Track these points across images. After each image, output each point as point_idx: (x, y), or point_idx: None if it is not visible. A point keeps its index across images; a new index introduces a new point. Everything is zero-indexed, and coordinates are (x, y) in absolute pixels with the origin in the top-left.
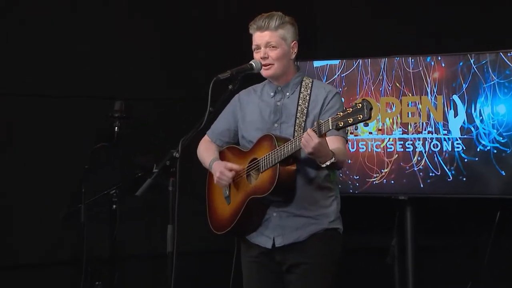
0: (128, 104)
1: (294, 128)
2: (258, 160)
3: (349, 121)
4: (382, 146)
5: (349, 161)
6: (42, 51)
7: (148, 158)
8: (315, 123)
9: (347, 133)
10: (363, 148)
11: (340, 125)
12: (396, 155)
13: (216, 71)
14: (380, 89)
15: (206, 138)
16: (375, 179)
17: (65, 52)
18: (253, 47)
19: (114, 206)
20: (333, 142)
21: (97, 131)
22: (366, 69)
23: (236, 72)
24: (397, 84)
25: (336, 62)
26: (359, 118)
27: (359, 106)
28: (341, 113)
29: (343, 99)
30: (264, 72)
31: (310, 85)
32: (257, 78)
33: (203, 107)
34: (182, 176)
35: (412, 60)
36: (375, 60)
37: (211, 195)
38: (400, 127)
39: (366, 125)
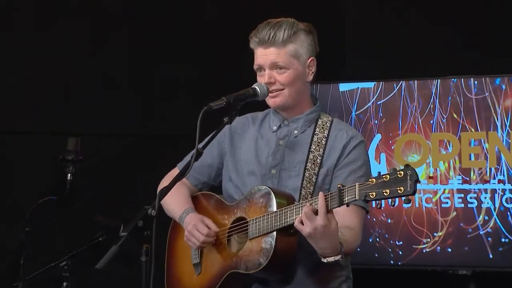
0: (86, 142)
1: (302, 183)
2: (247, 222)
3: (385, 194)
4: (434, 200)
5: (389, 221)
6: None
7: (112, 217)
8: (338, 185)
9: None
10: (409, 202)
11: (370, 196)
12: (455, 213)
13: (206, 97)
14: (431, 121)
15: (174, 173)
16: (425, 246)
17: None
18: (255, 67)
19: (64, 283)
20: (346, 216)
21: (42, 179)
22: (411, 94)
23: (234, 100)
24: (455, 115)
25: (371, 85)
26: (398, 191)
27: (400, 174)
28: (374, 180)
29: (379, 135)
30: (271, 101)
31: (328, 125)
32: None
33: (189, 146)
34: (160, 242)
35: (476, 82)
36: (423, 82)
37: (174, 257)
38: (459, 174)
39: (408, 202)
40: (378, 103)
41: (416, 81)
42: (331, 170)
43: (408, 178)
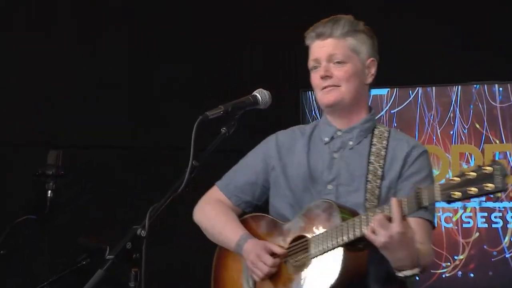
0: (68, 155)
1: (365, 196)
2: (307, 240)
3: (471, 192)
4: (455, 219)
5: None
6: None
7: (97, 238)
8: (414, 188)
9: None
10: (496, 200)
11: (454, 196)
12: (477, 234)
13: (202, 105)
14: (451, 132)
15: (215, 193)
16: (444, 270)
17: None
18: (310, 64)
19: None
20: (414, 230)
21: (20, 196)
22: (429, 101)
23: (232, 108)
24: (477, 125)
25: (384, 91)
26: (486, 188)
27: (486, 170)
28: (457, 178)
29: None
30: (324, 99)
31: (386, 135)
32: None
33: (184, 159)
34: (150, 266)
35: (500, 89)
36: (442, 88)
37: (222, 284)
38: None
39: (496, 199)
40: (392, 111)
41: (434, 88)
42: (394, 182)
43: (497, 173)
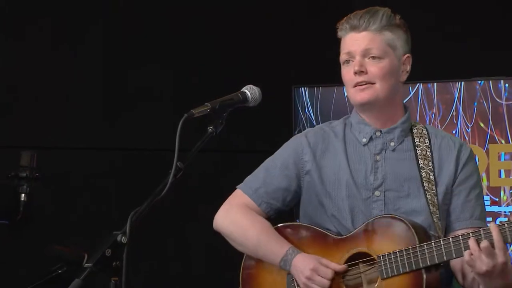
0: (43, 157)
1: (429, 207)
2: (373, 258)
3: None
4: None
5: None
6: None
7: (74, 246)
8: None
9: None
10: None
11: None
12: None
13: (186, 104)
14: (454, 131)
15: (240, 199)
16: None
17: None
18: (342, 57)
19: None
20: None
21: None
22: (430, 99)
23: (220, 106)
24: (482, 124)
25: None
26: None
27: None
28: None
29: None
30: (358, 97)
31: (426, 133)
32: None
33: (167, 160)
34: (132, 274)
35: (506, 85)
36: (444, 84)
37: None
38: (487, 194)
39: None
40: None
41: (435, 84)
42: (449, 187)
43: None
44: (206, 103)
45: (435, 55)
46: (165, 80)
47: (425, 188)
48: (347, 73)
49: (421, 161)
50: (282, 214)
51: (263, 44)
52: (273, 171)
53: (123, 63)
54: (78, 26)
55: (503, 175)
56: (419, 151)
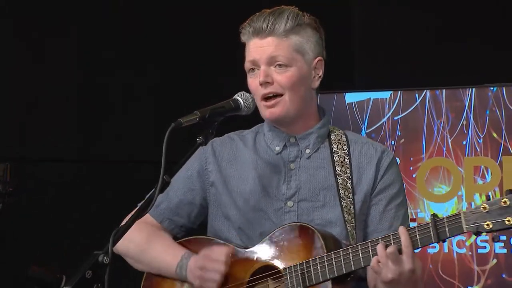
0: (17, 170)
1: (343, 216)
2: (279, 271)
3: (508, 223)
4: (468, 244)
5: None
6: None
7: (51, 266)
8: (431, 216)
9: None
10: (434, 247)
11: (486, 227)
12: (495, 261)
13: (172, 112)
14: (464, 142)
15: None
16: None
17: None
18: (247, 66)
19: None
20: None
21: None
22: (438, 106)
23: (210, 115)
24: (494, 134)
25: (386, 95)
26: (507, 223)
27: (504, 203)
28: (486, 206)
29: (397, 160)
30: (267, 113)
31: (344, 139)
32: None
33: (153, 173)
34: None
35: None
36: (453, 91)
37: None
38: None
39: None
40: (395, 118)
41: (444, 90)
42: (368, 196)
43: None
44: (195, 111)
45: (443, 59)
46: (150, 85)
47: (341, 195)
48: (253, 82)
49: (338, 168)
50: (193, 233)
51: None
52: (176, 183)
53: (99, 67)
54: (48, 31)
55: None
56: (336, 158)
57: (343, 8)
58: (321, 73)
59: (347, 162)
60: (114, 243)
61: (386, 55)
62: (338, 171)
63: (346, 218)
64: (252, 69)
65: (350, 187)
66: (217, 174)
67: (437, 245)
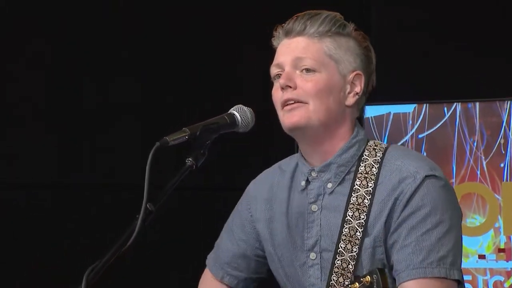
0: None
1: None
2: None
3: None
4: (507, 285)
5: None
6: None
7: None
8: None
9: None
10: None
11: None
12: None
13: (157, 129)
14: (501, 164)
15: (207, 274)
16: None
17: None
18: (272, 71)
19: None
20: None
21: None
22: (471, 122)
23: (202, 132)
24: None
25: (409, 108)
26: None
27: (366, 282)
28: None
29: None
30: (285, 119)
31: (375, 171)
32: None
33: (135, 202)
34: None
35: None
36: (489, 104)
37: None
38: None
39: None
40: (420, 136)
41: (477, 104)
42: (378, 238)
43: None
44: (184, 128)
45: (477, 69)
46: (132, 98)
47: (344, 236)
48: (276, 90)
49: (350, 213)
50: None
51: (255, 54)
52: (226, 234)
53: (76, 80)
54: (17, 39)
55: None
56: (353, 199)
57: (362, 10)
58: (358, 89)
59: (366, 204)
60: (88, 284)
61: (411, 64)
62: (348, 217)
63: (355, 267)
64: (278, 75)
65: (358, 236)
66: (264, 221)
67: (469, 284)
